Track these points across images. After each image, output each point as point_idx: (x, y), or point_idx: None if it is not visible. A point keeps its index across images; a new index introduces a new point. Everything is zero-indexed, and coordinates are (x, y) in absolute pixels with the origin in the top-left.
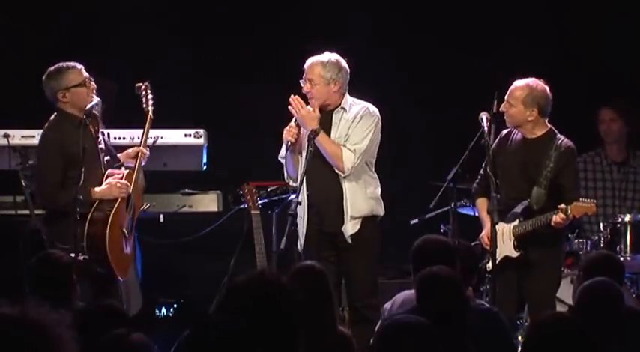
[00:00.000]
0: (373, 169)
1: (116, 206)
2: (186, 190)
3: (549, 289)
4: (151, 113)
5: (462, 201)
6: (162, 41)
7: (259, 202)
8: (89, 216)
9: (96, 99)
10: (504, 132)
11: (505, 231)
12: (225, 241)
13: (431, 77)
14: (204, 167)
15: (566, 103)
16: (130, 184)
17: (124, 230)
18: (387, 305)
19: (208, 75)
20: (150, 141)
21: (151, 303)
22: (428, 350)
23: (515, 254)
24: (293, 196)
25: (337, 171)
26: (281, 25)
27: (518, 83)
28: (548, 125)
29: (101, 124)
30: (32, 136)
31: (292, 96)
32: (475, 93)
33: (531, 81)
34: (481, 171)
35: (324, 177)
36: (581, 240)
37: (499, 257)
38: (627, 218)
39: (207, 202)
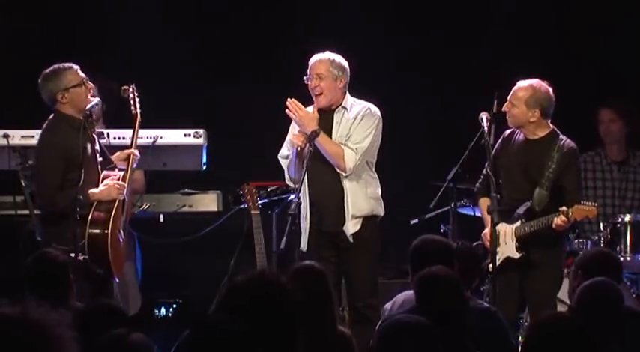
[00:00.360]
0: (373, 169)
1: (114, 207)
2: (186, 190)
3: (550, 290)
4: (139, 115)
5: (462, 201)
6: (162, 41)
7: (259, 202)
8: (89, 217)
9: (95, 100)
10: (507, 132)
11: (507, 232)
12: (225, 241)
13: (431, 77)
14: (204, 167)
15: (566, 103)
16: (126, 185)
17: (121, 230)
18: (387, 305)
19: (208, 75)
20: (149, 141)
21: (151, 303)
22: (428, 350)
23: (517, 255)
24: (293, 196)
25: (338, 171)
26: (281, 25)
27: (522, 84)
28: (551, 126)
29: (102, 124)
30: (32, 136)
31: (289, 99)
32: (475, 93)
33: (535, 82)
34: (484, 171)
35: (325, 176)
36: (581, 240)
37: (501, 257)
38: (627, 218)
39: (207, 202)
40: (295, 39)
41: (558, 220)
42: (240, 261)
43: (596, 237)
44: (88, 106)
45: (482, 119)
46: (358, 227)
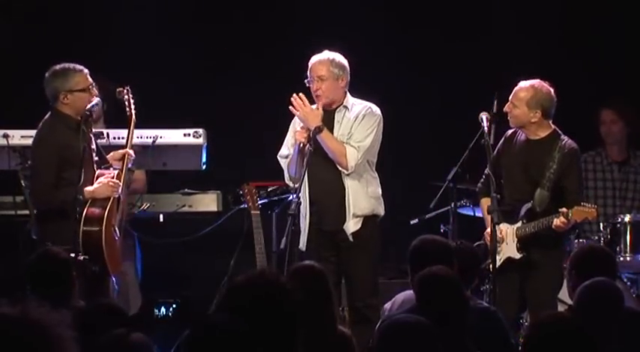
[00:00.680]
0: (374, 168)
1: (109, 204)
2: (186, 190)
3: (551, 290)
4: (134, 116)
5: (462, 201)
6: (162, 41)
7: (259, 202)
8: (83, 215)
9: (95, 100)
10: (509, 132)
11: (508, 233)
12: (225, 241)
13: (431, 77)
14: (204, 167)
15: (566, 103)
16: (121, 184)
17: (116, 229)
18: (387, 305)
19: (208, 75)
20: (149, 141)
21: (151, 303)
22: (428, 350)
23: (517, 255)
24: (293, 196)
25: (340, 169)
26: (281, 25)
27: (523, 84)
28: (552, 126)
29: (102, 124)
30: (32, 136)
31: (295, 95)
32: (475, 93)
33: (536, 82)
34: (485, 171)
35: (326, 175)
36: (581, 241)
37: (502, 258)
38: (627, 218)
39: (207, 202)
40: (295, 39)
41: (558, 221)
42: (240, 261)
43: (596, 237)
44: (88, 106)
45: (482, 119)
46: (359, 226)
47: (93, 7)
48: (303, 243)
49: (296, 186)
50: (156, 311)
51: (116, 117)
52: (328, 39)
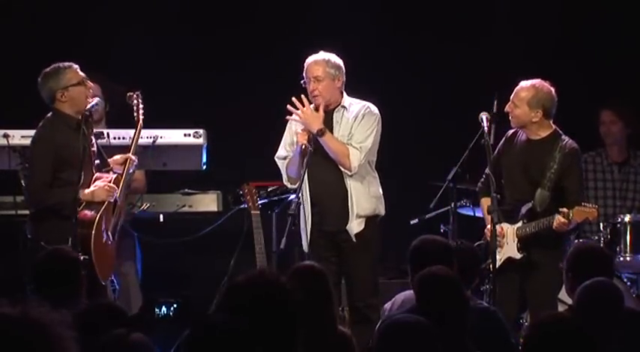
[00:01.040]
0: (374, 168)
1: (102, 209)
2: (186, 190)
3: (551, 290)
4: (141, 122)
5: (461, 201)
6: (162, 41)
7: (259, 202)
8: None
9: (95, 100)
10: (510, 132)
11: (509, 233)
12: (225, 241)
13: (430, 77)
14: (204, 167)
15: (567, 103)
16: (118, 188)
17: (109, 234)
18: (387, 305)
19: (208, 74)
20: (149, 141)
21: (151, 303)
22: (428, 350)
23: (518, 255)
24: (293, 196)
25: (343, 170)
26: (281, 25)
27: (524, 84)
28: (553, 126)
29: (103, 124)
30: (32, 137)
31: (294, 98)
32: (475, 93)
33: (537, 82)
34: (486, 171)
35: (327, 176)
36: (581, 241)
37: (502, 258)
38: (627, 218)
39: (207, 202)
40: (295, 39)
41: (558, 222)
42: (240, 261)
43: (596, 237)
44: (88, 107)
45: (482, 119)
46: (362, 227)
47: (93, 7)
48: (305, 244)
49: (295, 187)
50: (156, 310)
51: (119, 118)
52: (326, 39)
